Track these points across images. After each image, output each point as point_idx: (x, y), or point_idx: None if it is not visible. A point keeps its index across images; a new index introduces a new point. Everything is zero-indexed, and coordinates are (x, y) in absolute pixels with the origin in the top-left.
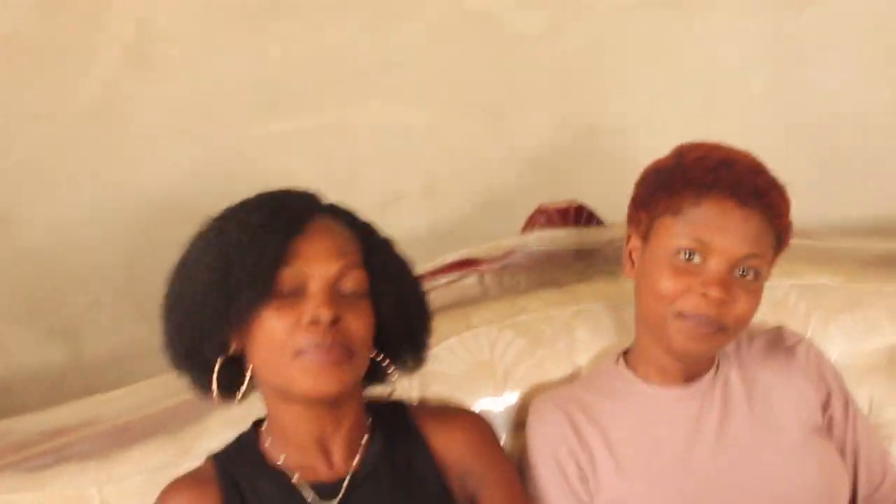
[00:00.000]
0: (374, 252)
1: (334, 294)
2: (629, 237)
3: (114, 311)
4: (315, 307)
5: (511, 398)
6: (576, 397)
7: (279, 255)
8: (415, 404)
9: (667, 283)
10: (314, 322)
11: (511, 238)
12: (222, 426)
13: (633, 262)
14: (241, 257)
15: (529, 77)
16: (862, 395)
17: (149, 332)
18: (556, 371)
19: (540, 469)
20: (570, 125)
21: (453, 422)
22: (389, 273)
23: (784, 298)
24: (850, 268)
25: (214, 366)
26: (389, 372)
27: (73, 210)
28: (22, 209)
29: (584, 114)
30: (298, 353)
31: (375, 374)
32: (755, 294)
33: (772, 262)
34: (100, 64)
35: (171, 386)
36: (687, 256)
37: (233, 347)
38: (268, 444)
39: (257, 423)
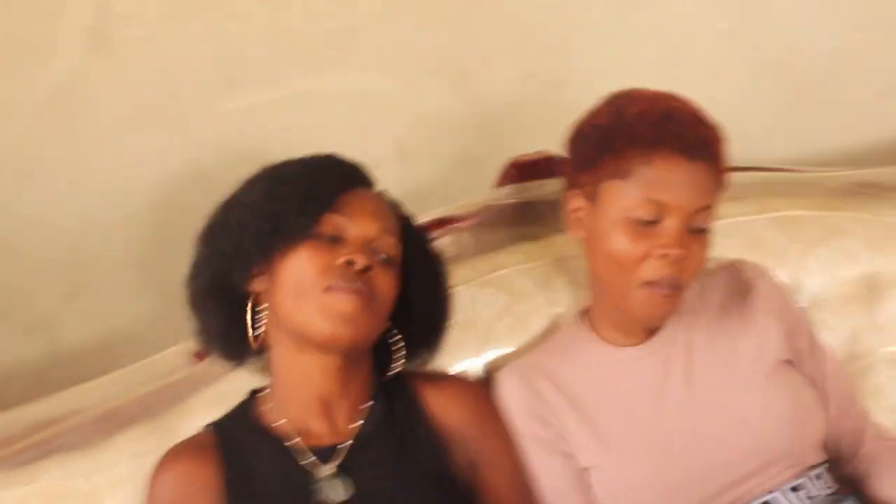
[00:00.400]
0: (409, 238)
1: (369, 250)
2: (569, 196)
3: (89, 301)
4: (351, 251)
5: (495, 356)
6: (539, 365)
7: (330, 199)
8: (412, 373)
9: (625, 247)
10: (348, 264)
11: (485, 194)
12: (206, 406)
13: (579, 223)
14: (295, 190)
15: (493, 34)
16: (843, 325)
17: (126, 320)
18: (537, 324)
19: (520, 440)
20: (537, 80)
21: (450, 390)
22: (422, 261)
23: (761, 233)
24: (825, 198)
25: (230, 307)
26: (397, 356)
27: (42, 202)
28: None
29: (550, 68)
30: (327, 289)
31: (384, 356)
32: (706, 245)
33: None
34: (61, 51)
35: (152, 371)
36: (642, 219)
37: (254, 285)
38: (268, 409)
39: (254, 393)
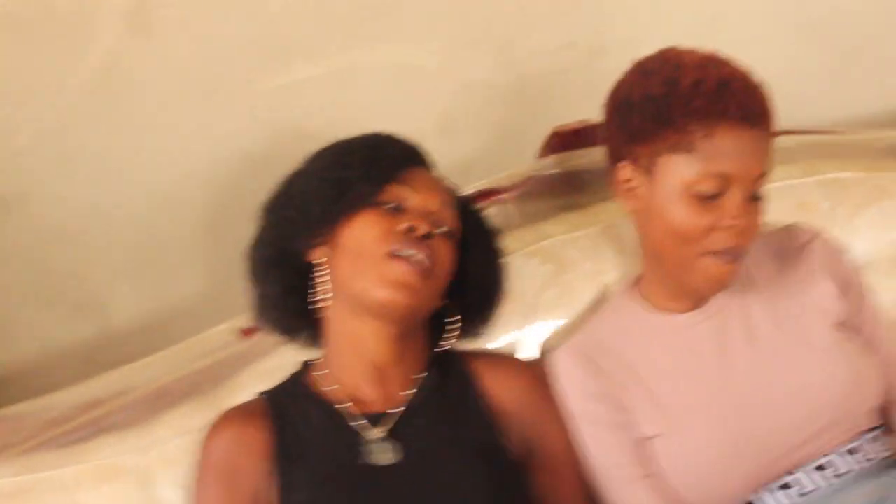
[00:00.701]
0: (467, 216)
1: (431, 221)
2: (619, 168)
3: (137, 282)
4: (413, 218)
5: (542, 327)
6: (595, 341)
7: (394, 170)
8: (469, 351)
9: (690, 221)
10: (411, 230)
11: (529, 165)
12: (255, 381)
13: (631, 195)
14: (361, 160)
15: (532, 3)
16: (893, 287)
17: (174, 299)
18: (586, 293)
19: (575, 421)
20: (577, 48)
21: (507, 369)
22: (479, 237)
23: (807, 197)
24: (871, 159)
25: (291, 277)
26: (451, 329)
27: (87, 185)
28: (36, 188)
29: (590, 36)
30: (389, 256)
31: (439, 331)
32: (762, 210)
33: None
34: (100, 34)
35: (200, 348)
36: (706, 193)
37: (316, 254)
38: (320, 376)
39: (305, 365)
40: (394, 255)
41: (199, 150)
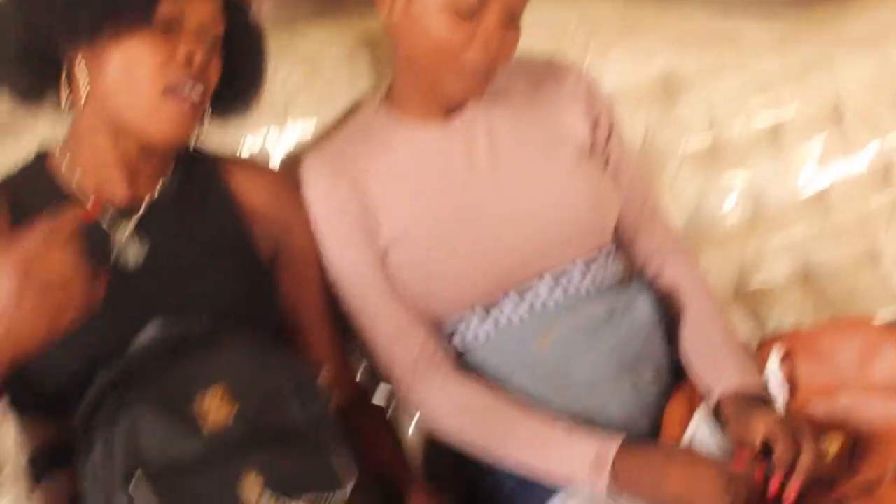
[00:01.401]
0: (233, 13)
1: (204, 39)
2: None
3: None
4: (190, 41)
5: (293, 130)
6: (343, 150)
7: None
8: (222, 157)
9: (447, 36)
10: (188, 60)
11: None
12: None
13: (391, 4)
14: None
15: None
16: (638, 122)
17: None
18: (339, 100)
19: (322, 227)
20: None
21: (255, 173)
22: (242, 34)
23: (564, 25)
24: None
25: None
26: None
27: None
28: None
29: None
30: (167, 91)
31: None
32: (518, 35)
33: None
34: None
35: None
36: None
37: (75, 59)
38: (63, 165)
39: (42, 154)
40: (170, 92)
41: None
